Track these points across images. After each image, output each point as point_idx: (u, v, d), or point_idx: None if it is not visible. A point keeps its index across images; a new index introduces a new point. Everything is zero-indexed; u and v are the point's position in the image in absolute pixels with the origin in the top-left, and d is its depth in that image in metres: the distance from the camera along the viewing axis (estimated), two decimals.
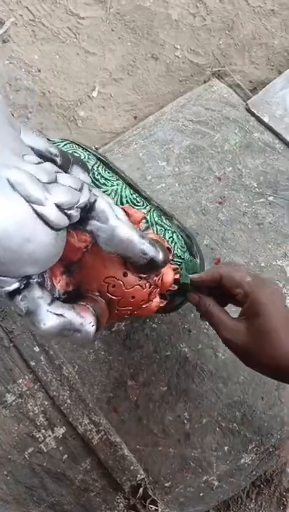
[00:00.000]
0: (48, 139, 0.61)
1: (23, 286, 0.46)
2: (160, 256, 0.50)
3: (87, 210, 0.45)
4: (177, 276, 0.60)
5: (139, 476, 0.65)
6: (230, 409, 0.69)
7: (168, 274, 0.58)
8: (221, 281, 0.51)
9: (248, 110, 0.82)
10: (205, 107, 0.82)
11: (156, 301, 0.59)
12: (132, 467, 0.65)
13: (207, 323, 0.72)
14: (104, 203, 0.46)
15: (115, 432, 0.67)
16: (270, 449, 0.67)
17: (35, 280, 0.47)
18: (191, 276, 0.57)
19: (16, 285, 0.45)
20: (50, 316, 0.46)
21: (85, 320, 0.50)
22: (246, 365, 0.48)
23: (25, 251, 0.40)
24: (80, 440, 0.67)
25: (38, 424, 0.69)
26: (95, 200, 0.46)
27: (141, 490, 0.64)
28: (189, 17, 0.98)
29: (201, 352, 0.72)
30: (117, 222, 0.47)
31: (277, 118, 0.80)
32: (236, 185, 0.78)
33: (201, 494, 0.66)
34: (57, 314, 0.47)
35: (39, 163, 0.42)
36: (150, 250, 0.49)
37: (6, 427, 0.69)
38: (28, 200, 0.39)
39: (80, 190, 0.44)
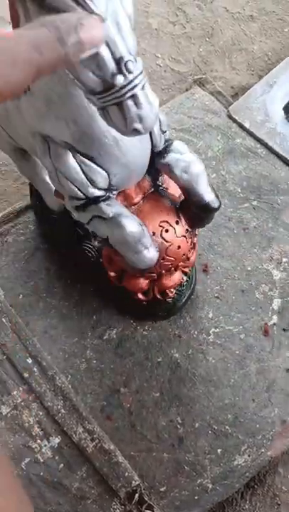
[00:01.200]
0: None
1: (104, 198, 0.53)
2: (218, 202, 0.59)
3: (167, 146, 0.56)
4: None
5: (134, 482, 0.66)
6: (222, 412, 0.70)
7: (194, 255, 0.67)
8: None
9: (230, 117, 0.83)
10: (187, 115, 0.84)
11: (180, 275, 0.67)
12: (126, 473, 0.66)
13: (197, 328, 0.74)
14: (181, 142, 0.57)
15: (109, 440, 0.68)
16: (262, 450, 0.68)
17: (114, 196, 0.55)
18: None
19: (101, 192, 0.53)
20: (135, 221, 0.54)
21: (153, 238, 0.57)
22: None
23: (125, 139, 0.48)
24: (75, 449, 0.68)
25: (34, 434, 0.70)
26: (172, 142, 0.57)
27: (136, 495, 0.65)
28: (169, 26, 0.99)
29: (191, 357, 0.73)
30: (193, 158, 0.56)
31: (258, 123, 0.82)
32: (221, 191, 0.79)
33: (196, 497, 0.66)
34: (139, 223, 0.54)
35: None
36: (212, 194, 0.58)
37: (1, 438, 0.70)
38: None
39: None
